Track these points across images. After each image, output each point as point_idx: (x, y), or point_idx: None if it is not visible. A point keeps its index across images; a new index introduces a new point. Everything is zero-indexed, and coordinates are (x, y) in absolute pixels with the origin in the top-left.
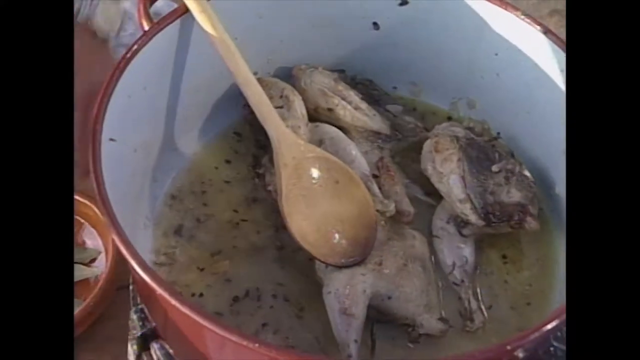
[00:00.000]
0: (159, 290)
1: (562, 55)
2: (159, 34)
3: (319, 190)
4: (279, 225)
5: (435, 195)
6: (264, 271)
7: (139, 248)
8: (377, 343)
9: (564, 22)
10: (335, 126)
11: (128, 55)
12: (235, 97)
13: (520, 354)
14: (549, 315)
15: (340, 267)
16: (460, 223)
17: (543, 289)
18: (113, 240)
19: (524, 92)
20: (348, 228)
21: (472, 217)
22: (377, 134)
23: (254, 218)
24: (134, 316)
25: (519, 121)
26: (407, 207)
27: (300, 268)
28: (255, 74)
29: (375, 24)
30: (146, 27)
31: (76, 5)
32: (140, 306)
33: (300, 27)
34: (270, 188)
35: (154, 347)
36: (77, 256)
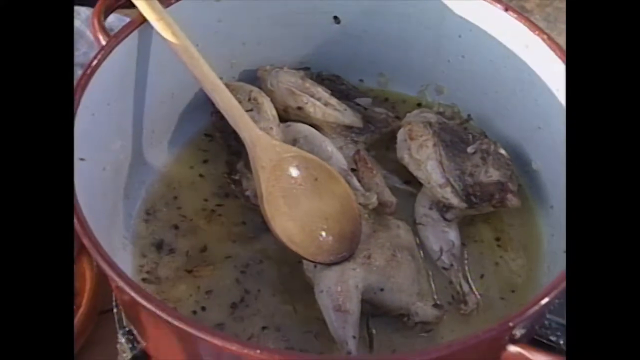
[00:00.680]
0: (152, 308)
1: (524, 30)
2: (118, 47)
3: (299, 190)
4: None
5: (414, 183)
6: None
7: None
8: (375, 336)
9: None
10: (307, 124)
11: (88, 71)
12: (201, 106)
13: (519, 332)
14: (545, 288)
15: (329, 264)
16: (443, 208)
17: (530, 266)
18: (90, 265)
19: (491, 71)
20: (332, 224)
21: (454, 201)
22: (349, 128)
23: (229, 208)
24: (122, 339)
25: (488, 101)
26: (389, 197)
27: (286, 262)
28: (220, 79)
29: (335, 17)
30: (103, 42)
31: None
32: (127, 328)
33: (261, 28)
34: (248, 193)
35: None
36: None
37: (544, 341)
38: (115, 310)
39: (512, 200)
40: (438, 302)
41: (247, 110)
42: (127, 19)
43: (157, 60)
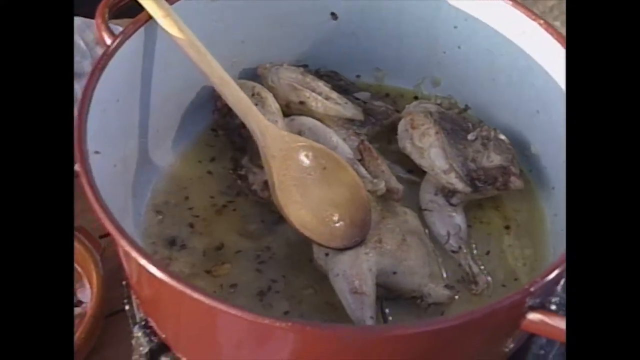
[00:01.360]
0: (185, 288)
1: (520, 16)
2: (125, 44)
3: (308, 179)
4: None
5: (417, 172)
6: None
7: None
8: (389, 319)
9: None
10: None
11: (98, 66)
12: (204, 105)
13: (535, 302)
14: (561, 255)
15: (342, 249)
16: (448, 193)
17: (535, 247)
18: (96, 269)
19: (487, 60)
20: (343, 212)
21: (459, 185)
22: (351, 121)
23: (239, 204)
24: (138, 333)
25: (485, 90)
26: (396, 184)
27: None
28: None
29: (333, 14)
30: (108, 42)
31: None
32: (143, 322)
33: (260, 26)
34: (255, 187)
35: None
36: None
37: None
38: (127, 307)
39: (516, 182)
40: (449, 284)
41: None
42: (120, 28)
43: (162, 58)
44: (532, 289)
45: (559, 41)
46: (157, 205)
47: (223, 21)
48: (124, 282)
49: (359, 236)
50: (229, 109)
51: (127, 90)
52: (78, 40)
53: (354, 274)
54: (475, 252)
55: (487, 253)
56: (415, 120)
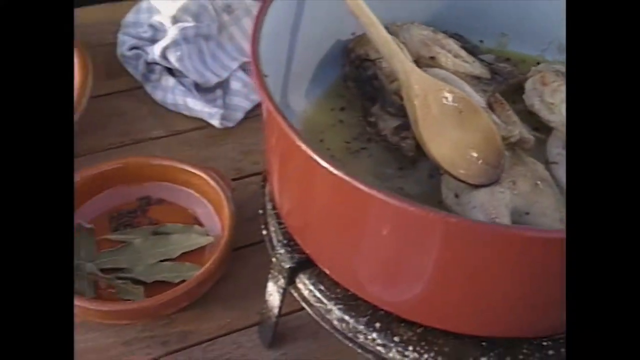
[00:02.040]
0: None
1: None
2: None
3: (446, 121)
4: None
5: (542, 129)
6: None
7: None
8: None
9: None
10: None
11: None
12: (335, 59)
13: None
14: None
15: (478, 186)
16: None
17: None
18: (228, 205)
19: None
20: (480, 152)
21: None
22: (478, 78)
23: (372, 150)
24: (281, 250)
25: None
26: (527, 134)
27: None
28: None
29: None
30: None
31: None
32: (286, 241)
33: None
34: (385, 132)
35: (302, 279)
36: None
37: None
38: (264, 232)
39: None
40: None
41: None
42: None
43: (310, 10)
44: None
45: None
46: None
47: None
48: (260, 211)
49: (494, 176)
50: (362, 62)
51: (284, 30)
52: (208, 5)
53: (492, 207)
54: None
55: None
56: (546, 77)
